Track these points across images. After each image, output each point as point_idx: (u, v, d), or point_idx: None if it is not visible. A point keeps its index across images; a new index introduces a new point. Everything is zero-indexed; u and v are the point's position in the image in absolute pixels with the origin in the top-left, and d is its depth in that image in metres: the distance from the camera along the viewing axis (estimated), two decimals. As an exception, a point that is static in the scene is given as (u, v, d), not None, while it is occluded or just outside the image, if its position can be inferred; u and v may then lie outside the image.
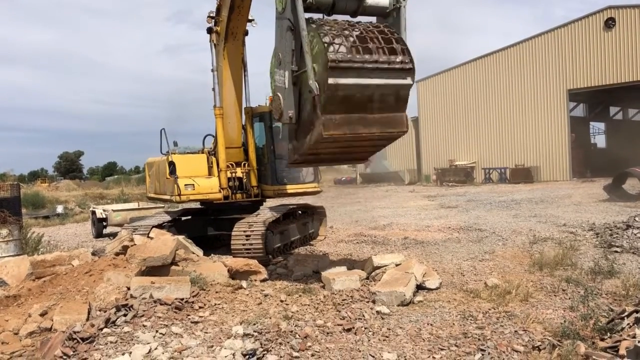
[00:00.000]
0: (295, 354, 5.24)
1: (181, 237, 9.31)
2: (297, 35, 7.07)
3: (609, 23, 35.61)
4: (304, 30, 6.88)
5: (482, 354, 5.12)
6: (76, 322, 6.01)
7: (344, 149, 7.77)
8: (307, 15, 7.14)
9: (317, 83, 6.84)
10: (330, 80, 6.77)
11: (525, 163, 39.44)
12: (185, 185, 11.06)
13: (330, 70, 6.71)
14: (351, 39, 7.08)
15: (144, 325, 5.93)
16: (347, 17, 7.69)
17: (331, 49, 6.80)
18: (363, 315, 6.40)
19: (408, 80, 7.31)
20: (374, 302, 6.91)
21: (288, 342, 5.47)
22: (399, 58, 7.12)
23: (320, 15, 7.54)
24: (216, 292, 7.34)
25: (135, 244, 8.66)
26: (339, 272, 8.30)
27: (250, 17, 10.81)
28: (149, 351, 5.23)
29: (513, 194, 27.17)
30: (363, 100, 7.13)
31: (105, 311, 6.38)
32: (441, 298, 7.28)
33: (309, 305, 7.01)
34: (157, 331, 5.79)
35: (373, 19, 7.88)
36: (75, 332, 5.57)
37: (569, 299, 6.96)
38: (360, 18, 7.74)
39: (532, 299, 7.04)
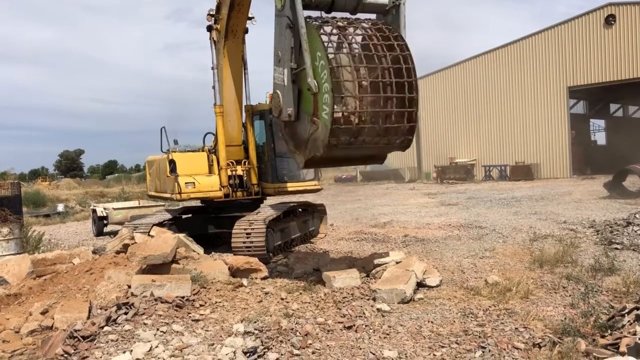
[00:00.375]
0: (295, 351, 5.25)
1: (182, 235, 9.32)
2: (296, 33, 7.07)
3: (609, 20, 35.56)
4: (302, 28, 6.88)
5: (483, 352, 5.12)
6: (77, 320, 6.01)
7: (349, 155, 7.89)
8: (307, 13, 7.13)
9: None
10: (325, 154, 7.14)
11: (525, 160, 39.41)
12: (186, 183, 11.06)
13: (328, 147, 6.95)
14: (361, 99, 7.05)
15: (145, 324, 5.93)
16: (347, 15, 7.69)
17: (337, 104, 6.78)
18: (364, 313, 6.41)
19: (400, 150, 7.75)
20: (374, 299, 6.91)
21: (289, 340, 5.47)
22: (400, 139, 7.35)
23: (319, 13, 7.53)
24: (217, 290, 7.35)
25: (135, 242, 8.67)
26: (339, 270, 8.30)
27: (250, 15, 10.81)
28: (150, 349, 5.23)
29: (513, 191, 27.16)
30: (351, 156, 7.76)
31: (106, 309, 6.38)
32: (442, 295, 7.29)
33: (309, 303, 7.01)
34: (158, 329, 5.80)
35: (372, 16, 7.86)
36: (76, 331, 5.58)
37: (570, 296, 6.96)
38: (359, 15, 7.72)
39: (532, 296, 7.04)
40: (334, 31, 7.12)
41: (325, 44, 6.83)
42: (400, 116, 7.13)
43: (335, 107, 6.70)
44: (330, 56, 6.78)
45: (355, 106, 6.96)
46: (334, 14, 7.60)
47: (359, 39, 7.24)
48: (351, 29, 7.28)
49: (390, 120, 7.13)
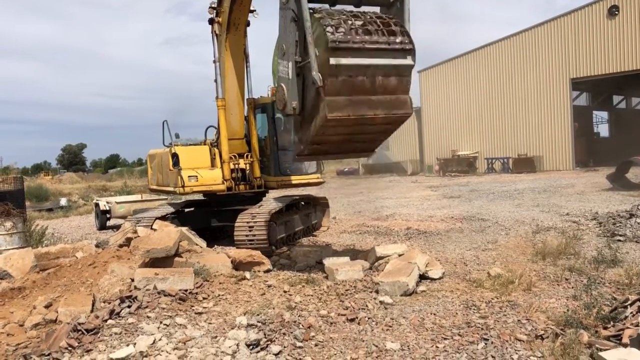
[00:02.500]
0: (298, 344, 5.27)
1: (184, 229, 9.34)
2: (300, 26, 7.05)
3: (613, 11, 35.35)
4: (307, 21, 6.87)
5: (485, 343, 5.13)
6: (81, 313, 6.03)
7: (348, 136, 7.73)
8: (311, 5, 7.11)
9: (318, 68, 6.87)
10: (332, 61, 6.82)
11: (528, 153, 39.32)
12: (189, 176, 11.06)
13: (331, 50, 6.77)
14: (349, 22, 7.12)
15: (148, 317, 5.95)
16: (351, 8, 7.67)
17: (329, 29, 6.84)
18: (366, 306, 6.42)
19: (409, 60, 7.35)
20: (377, 292, 6.92)
21: (292, 333, 5.49)
22: (399, 39, 7.19)
23: (323, 6, 7.52)
24: (220, 283, 7.37)
25: (138, 236, 8.68)
26: (342, 262, 8.31)
27: (252, 8, 10.76)
28: (154, 342, 5.25)
29: (516, 183, 27.12)
30: (365, 82, 7.16)
31: (109, 303, 6.40)
32: (444, 288, 7.29)
33: (312, 295, 7.02)
34: (161, 322, 5.82)
35: (377, 10, 7.85)
36: (79, 324, 5.60)
37: (572, 288, 6.97)
38: (363, 8, 7.71)
39: (535, 289, 7.04)
40: (335, 19, 7.13)
41: (321, 21, 6.92)
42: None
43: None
44: (329, 34, 6.86)
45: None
46: (338, 6, 7.59)
47: (359, 23, 7.24)
48: (352, 19, 7.27)
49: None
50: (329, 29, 6.84)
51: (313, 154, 8.52)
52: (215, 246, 10.77)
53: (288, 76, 7.41)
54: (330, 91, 6.98)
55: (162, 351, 5.10)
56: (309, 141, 7.59)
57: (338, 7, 7.61)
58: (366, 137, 8.02)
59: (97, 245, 10.05)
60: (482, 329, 5.50)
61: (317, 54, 6.87)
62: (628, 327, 4.94)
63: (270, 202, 11.03)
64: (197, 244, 9.11)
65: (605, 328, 5.23)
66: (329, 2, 7.53)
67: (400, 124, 7.89)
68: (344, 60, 6.91)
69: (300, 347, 5.21)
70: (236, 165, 11.55)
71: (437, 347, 5.17)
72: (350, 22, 7.12)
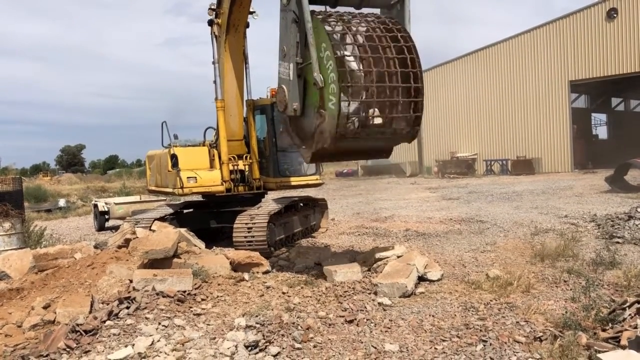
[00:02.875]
0: (297, 345, 5.26)
1: (183, 230, 9.33)
2: (301, 27, 7.06)
3: (611, 13, 35.41)
4: (308, 22, 6.88)
5: (484, 345, 5.13)
6: (79, 314, 6.03)
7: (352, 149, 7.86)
8: (312, 7, 7.12)
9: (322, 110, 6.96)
10: (330, 147, 7.11)
11: (526, 155, 39.36)
12: (188, 178, 11.05)
13: (335, 138, 6.93)
14: (354, 29, 7.11)
15: (147, 318, 5.95)
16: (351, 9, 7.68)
17: (344, 103, 6.78)
18: (365, 307, 6.42)
19: (406, 142, 7.75)
20: (375, 293, 6.92)
21: (290, 334, 5.49)
22: (407, 130, 7.35)
23: (324, 8, 7.52)
24: (218, 285, 7.37)
25: (137, 237, 8.68)
26: (340, 264, 8.31)
27: (251, 9, 10.77)
28: (152, 343, 5.25)
29: (514, 185, 27.15)
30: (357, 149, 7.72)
31: (108, 304, 6.40)
32: (443, 289, 7.30)
33: (311, 297, 7.03)
34: (159, 323, 5.81)
35: (377, 11, 7.85)
36: (78, 325, 5.60)
37: (571, 290, 6.97)
38: (364, 10, 7.72)
39: (533, 290, 7.05)
40: (339, 24, 7.12)
41: (329, 35, 6.83)
42: (407, 106, 7.14)
43: (342, 96, 6.68)
44: (335, 47, 6.78)
45: (362, 96, 6.96)
46: (338, 8, 7.59)
47: (362, 29, 7.23)
48: (355, 22, 7.27)
49: (396, 109, 7.13)
50: (343, 100, 6.75)
51: (320, 160, 8.65)
52: (214, 247, 10.75)
53: (289, 77, 7.42)
54: (318, 152, 7.39)
55: (160, 352, 5.10)
56: (314, 150, 7.57)
57: (339, 8, 7.61)
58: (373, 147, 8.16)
59: (95, 246, 10.05)
60: (480, 330, 5.51)
61: (333, 96, 6.83)
62: (626, 329, 4.94)
63: (269, 204, 11.03)
64: (195, 245, 9.10)
65: (603, 330, 5.23)
66: (330, 4, 7.53)
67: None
68: (345, 143, 7.23)
69: (298, 349, 5.21)
70: (235, 167, 11.54)
71: (435, 348, 5.17)
72: (354, 29, 7.15)
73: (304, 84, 7.35)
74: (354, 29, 7.15)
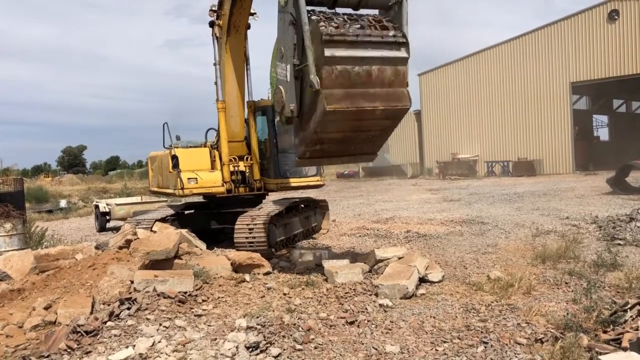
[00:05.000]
0: (298, 346, 5.26)
1: (184, 231, 9.33)
2: (299, 29, 7.06)
3: (613, 15, 35.42)
4: (305, 24, 6.88)
5: (485, 347, 5.12)
6: (80, 315, 6.03)
7: (348, 133, 7.68)
8: (309, 8, 7.12)
9: (314, 61, 6.88)
10: (327, 53, 6.85)
11: (528, 156, 39.35)
12: (189, 179, 11.05)
13: (325, 43, 6.81)
14: (341, 18, 7.21)
15: (148, 319, 5.95)
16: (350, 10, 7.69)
17: (323, 24, 6.91)
18: (366, 308, 6.42)
19: (403, 53, 7.39)
20: (376, 295, 6.92)
21: (291, 335, 5.49)
22: (391, 33, 7.27)
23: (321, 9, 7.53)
24: (219, 286, 7.37)
25: (138, 238, 8.69)
26: (341, 265, 8.30)
27: (252, 11, 10.78)
28: (153, 344, 5.25)
29: (516, 187, 27.13)
30: (362, 74, 7.17)
31: (109, 305, 6.40)
32: (444, 291, 7.29)
33: (311, 298, 7.02)
34: (160, 324, 5.82)
35: (375, 12, 7.86)
36: (79, 326, 5.60)
37: (572, 291, 6.96)
38: (362, 11, 7.73)
39: (534, 292, 7.04)
40: (335, 25, 7.14)
41: (320, 26, 6.95)
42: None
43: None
44: (322, 27, 6.89)
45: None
46: (337, 10, 7.60)
47: (356, 26, 7.27)
48: (352, 23, 7.29)
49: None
50: (322, 23, 6.92)
51: (314, 157, 8.42)
52: (215, 248, 10.74)
53: (286, 79, 7.43)
54: (327, 84, 6.98)
55: (161, 353, 5.10)
56: (309, 140, 7.55)
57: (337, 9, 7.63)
58: (367, 135, 7.92)
59: (96, 247, 10.04)
60: (481, 332, 5.50)
61: (313, 49, 6.89)
62: (628, 331, 4.94)
63: (270, 205, 11.03)
64: (196, 246, 9.10)
65: (605, 332, 5.22)
66: (327, 5, 7.53)
67: (400, 119, 7.85)
68: (339, 52, 6.96)
69: (299, 350, 5.21)
70: (236, 168, 11.55)
71: (436, 350, 5.17)
72: (341, 18, 7.22)
73: (301, 85, 7.36)
74: (347, 25, 7.18)
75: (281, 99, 7.59)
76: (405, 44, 7.32)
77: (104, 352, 5.17)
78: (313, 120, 7.24)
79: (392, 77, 7.36)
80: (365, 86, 7.19)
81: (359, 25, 7.23)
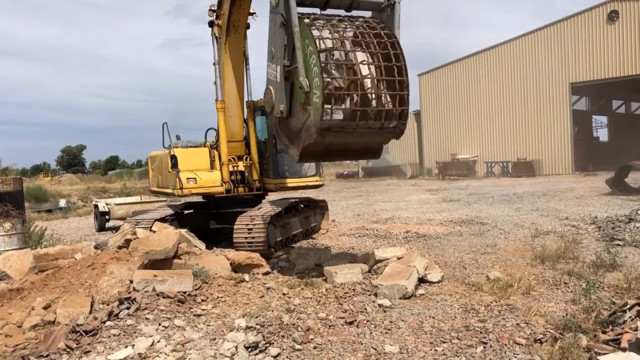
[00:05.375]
0: (297, 346, 5.26)
1: (183, 231, 9.33)
2: (289, 31, 7.04)
3: (612, 16, 35.45)
4: (296, 26, 6.87)
5: (484, 347, 5.13)
6: (79, 315, 6.03)
7: (342, 145, 7.71)
8: (301, 10, 7.10)
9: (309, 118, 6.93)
10: (317, 139, 6.97)
11: (527, 157, 39.38)
12: (188, 178, 11.06)
13: (321, 130, 6.84)
14: (340, 32, 7.12)
15: (147, 318, 5.95)
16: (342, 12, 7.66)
17: (327, 111, 6.76)
18: (365, 309, 6.42)
19: (394, 138, 7.61)
20: (375, 295, 6.92)
21: (290, 335, 5.49)
22: (393, 123, 7.19)
23: (313, 10, 7.51)
24: (219, 286, 7.37)
25: (137, 238, 8.68)
26: (341, 265, 8.30)
27: (251, 11, 10.78)
28: (152, 344, 5.25)
29: (515, 187, 27.14)
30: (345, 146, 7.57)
31: (108, 304, 6.40)
32: (443, 291, 7.29)
33: (311, 298, 7.02)
34: (160, 324, 5.81)
35: (368, 14, 7.83)
36: (78, 325, 5.60)
37: (571, 292, 6.96)
38: (353, 13, 7.70)
39: (534, 292, 7.04)
40: (326, 27, 7.13)
41: (316, 39, 6.83)
42: (392, 99, 7.10)
43: (325, 89, 6.68)
44: (317, 39, 6.79)
45: (345, 87, 6.95)
46: (328, 11, 7.58)
47: (349, 32, 7.24)
48: (342, 25, 7.28)
49: (381, 103, 7.11)
50: (327, 110, 6.76)
51: (312, 159, 8.50)
52: (214, 248, 10.76)
53: (276, 79, 7.43)
54: (306, 150, 7.28)
55: (160, 353, 5.10)
56: (302, 148, 7.49)
57: (328, 11, 7.60)
58: (362, 145, 7.93)
59: (96, 247, 10.04)
60: (480, 332, 5.50)
61: (312, 101, 6.85)
62: (627, 332, 4.94)
63: (269, 205, 11.03)
64: (196, 246, 9.10)
65: (604, 332, 5.22)
66: (319, 7, 7.51)
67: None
68: (331, 138, 7.07)
69: (298, 350, 5.21)
70: (235, 168, 11.55)
71: (435, 350, 5.17)
72: (341, 33, 7.14)
73: (291, 86, 7.35)
74: (340, 29, 7.16)
75: (271, 99, 7.60)
76: (403, 131, 7.40)
77: (103, 351, 5.17)
78: (302, 138, 7.31)
79: (376, 148, 7.95)
80: (347, 153, 7.81)
81: (352, 33, 7.19)
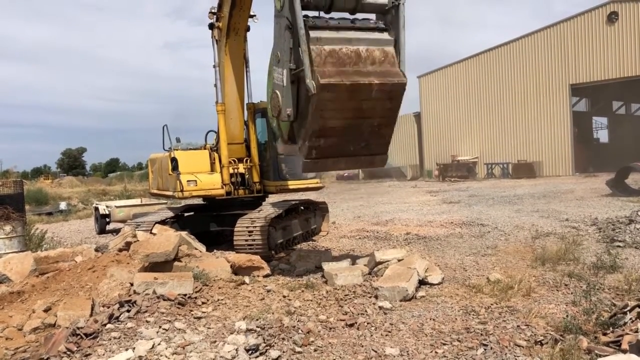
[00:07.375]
0: (298, 349, 5.26)
1: (184, 233, 9.33)
2: (294, 34, 7.06)
3: (612, 17, 35.49)
4: (301, 29, 6.88)
5: (485, 349, 5.13)
6: (80, 318, 6.02)
7: (351, 120, 7.49)
8: (305, 13, 7.12)
9: (312, 81, 6.88)
10: (312, 35, 6.96)
11: (527, 158, 39.40)
12: (188, 181, 11.07)
13: (310, 29, 6.95)
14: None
15: (147, 321, 5.95)
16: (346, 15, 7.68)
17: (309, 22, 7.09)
18: (365, 311, 6.42)
19: (386, 35, 7.49)
20: (376, 297, 6.92)
21: (291, 338, 5.49)
22: (372, 20, 7.55)
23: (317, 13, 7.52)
24: (219, 288, 7.36)
25: (138, 240, 8.69)
26: (341, 267, 8.30)
27: (251, 13, 10.80)
28: (153, 347, 5.25)
29: (515, 189, 27.14)
30: (351, 55, 7.25)
31: (108, 307, 6.39)
32: (443, 293, 7.29)
33: (311, 300, 7.02)
34: (160, 327, 5.81)
35: (372, 17, 7.84)
36: (78, 328, 5.60)
37: (572, 293, 6.96)
38: (358, 15, 7.72)
39: (534, 294, 7.04)
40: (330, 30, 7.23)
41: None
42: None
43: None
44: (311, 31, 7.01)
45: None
46: (332, 14, 7.59)
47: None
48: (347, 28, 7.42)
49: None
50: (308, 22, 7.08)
51: (320, 157, 8.15)
52: (215, 251, 10.76)
53: (283, 83, 7.41)
54: (318, 62, 7.01)
55: (161, 356, 5.10)
56: (310, 132, 7.32)
57: (333, 14, 7.61)
58: (370, 124, 7.67)
59: (96, 250, 10.04)
60: (481, 334, 5.50)
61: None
62: (627, 333, 4.93)
63: (269, 207, 11.03)
64: (196, 249, 9.10)
65: (604, 334, 5.22)
66: (323, 10, 7.52)
67: (399, 99, 7.64)
68: (324, 34, 7.09)
69: (299, 352, 5.21)
70: (235, 170, 11.56)
71: (436, 352, 5.17)
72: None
73: (297, 90, 7.34)
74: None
75: (277, 103, 7.56)
76: (386, 30, 7.50)
77: (103, 354, 5.17)
78: (310, 108, 7.15)
79: (381, 57, 7.41)
80: (357, 65, 7.24)
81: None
